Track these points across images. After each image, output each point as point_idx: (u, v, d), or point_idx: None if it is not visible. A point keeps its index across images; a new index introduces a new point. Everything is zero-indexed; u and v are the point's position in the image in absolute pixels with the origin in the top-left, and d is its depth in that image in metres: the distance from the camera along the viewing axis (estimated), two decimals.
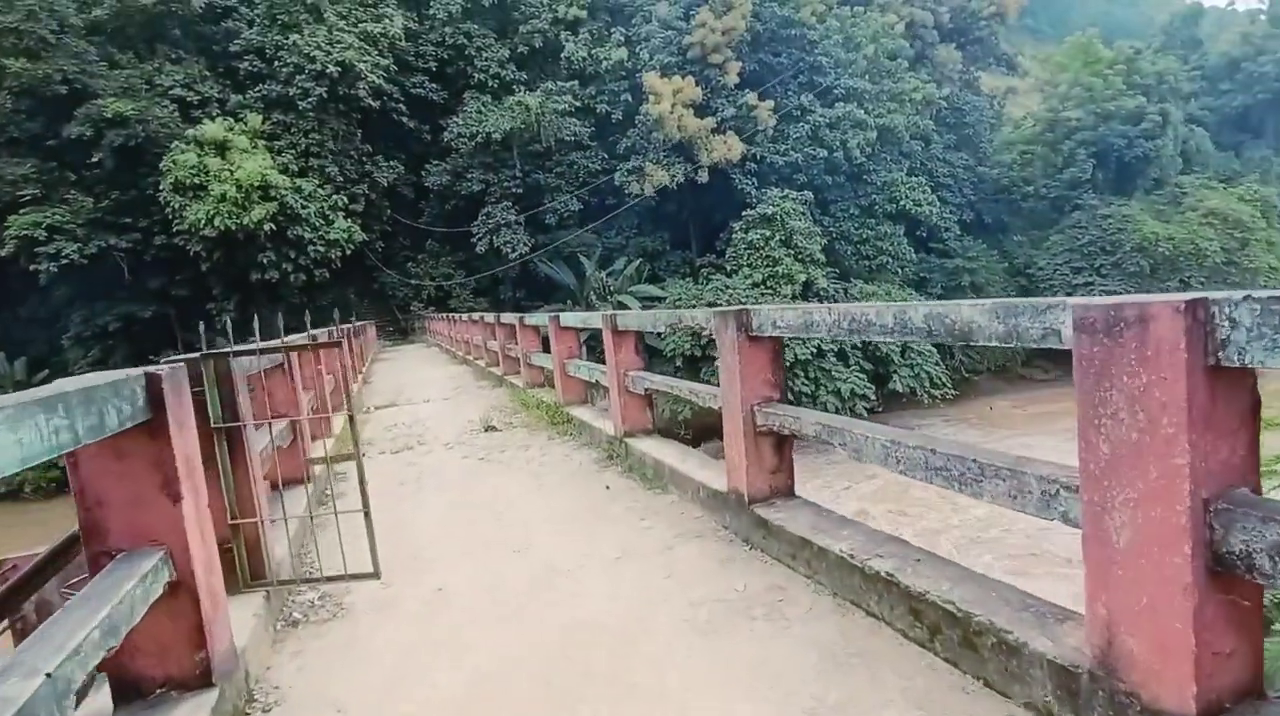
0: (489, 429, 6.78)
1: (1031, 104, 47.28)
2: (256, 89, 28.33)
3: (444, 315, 18.20)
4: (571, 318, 6.66)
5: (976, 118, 40.67)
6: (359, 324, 20.79)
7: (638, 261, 31.14)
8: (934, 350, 30.41)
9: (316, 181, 27.84)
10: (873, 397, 27.42)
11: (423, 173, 32.24)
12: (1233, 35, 56.20)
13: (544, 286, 32.35)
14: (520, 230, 30.52)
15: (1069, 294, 36.82)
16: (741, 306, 3.32)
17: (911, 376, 28.93)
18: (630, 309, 28.00)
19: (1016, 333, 2.02)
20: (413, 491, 5.08)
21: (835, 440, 2.92)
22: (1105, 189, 39.55)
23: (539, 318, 7.70)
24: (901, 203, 34.11)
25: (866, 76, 34.30)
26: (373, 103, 29.43)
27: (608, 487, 4.56)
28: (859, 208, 34.29)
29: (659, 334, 28.13)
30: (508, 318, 9.33)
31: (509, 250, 30.08)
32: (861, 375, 27.64)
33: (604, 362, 5.36)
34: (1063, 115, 40.01)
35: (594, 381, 5.99)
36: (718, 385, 3.67)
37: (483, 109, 30.68)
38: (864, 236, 33.85)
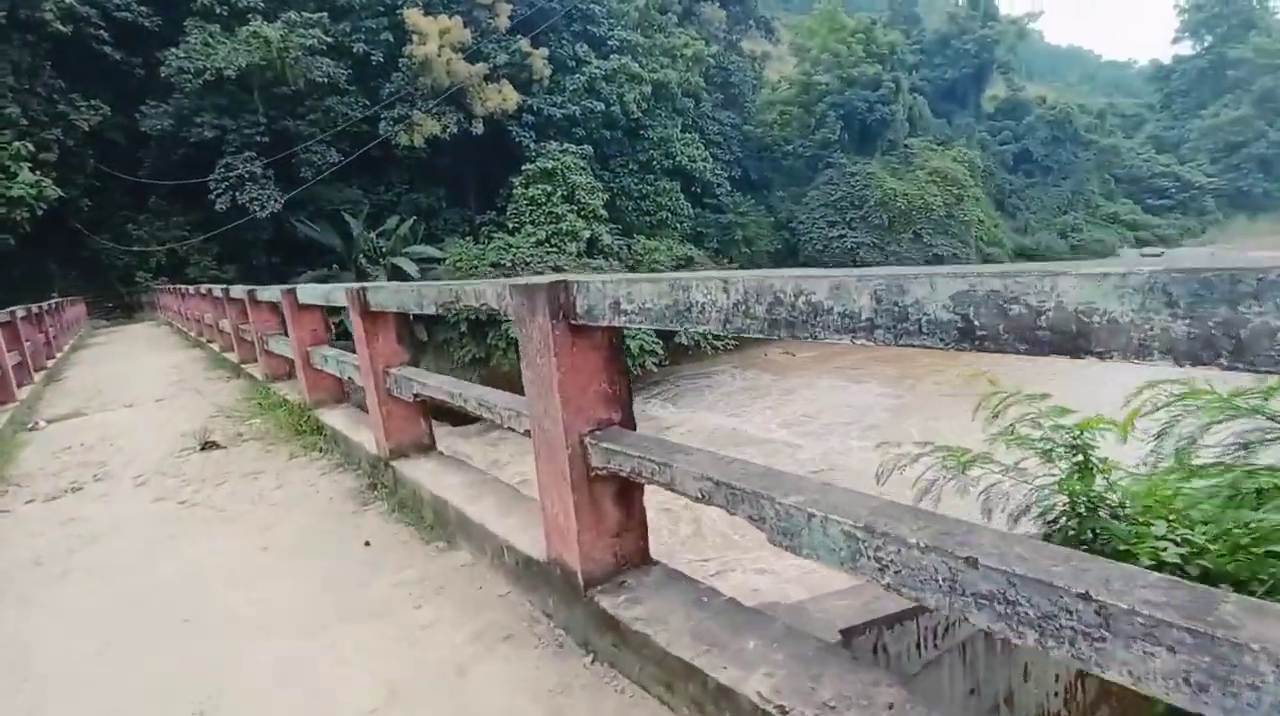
0: (208, 446, 5.08)
1: (786, 69, 50.61)
2: None
3: (174, 288, 15.17)
4: (310, 292, 4.99)
5: (741, 78, 42.56)
6: (57, 302, 16.94)
7: (411, 220, 28.79)
8: None
9: None
10: (661, 352, 28.05)
11: (137, 115, 26.89)
12: (941, 14, 64.33)
13: (306, 249, 28.83)
14: (269, 185, 26.71)
15: (825, 246, 40.66)
16: (559, 278, 2.15)
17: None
18: (407, 272, 25.88)
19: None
20: (52, 579, 3.23)
21: (741, 509, 1.79)
22: (851, 149, 43.59)
23: (272, 292, 6.08)
24: (677, 158, 34.92)
25: (639, 30, 34.29)
26: (62, 27, 23.74)
27: (367, 544, 3.26)
28: (638, 163, 34.56)
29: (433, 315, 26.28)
30: (237, 292, 7.41)
31: (256, 208, 26.24)
32: (648, 331, 28.11)
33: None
34: (815, 79, 43.23)
35: (346, 378, 4.67)
36: (504, 353, 2.82)
37: (210, 40, 26.07)
38: (644, 192, 34.27)
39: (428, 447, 3.98)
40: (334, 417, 5.04)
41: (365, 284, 3.95)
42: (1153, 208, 63.75)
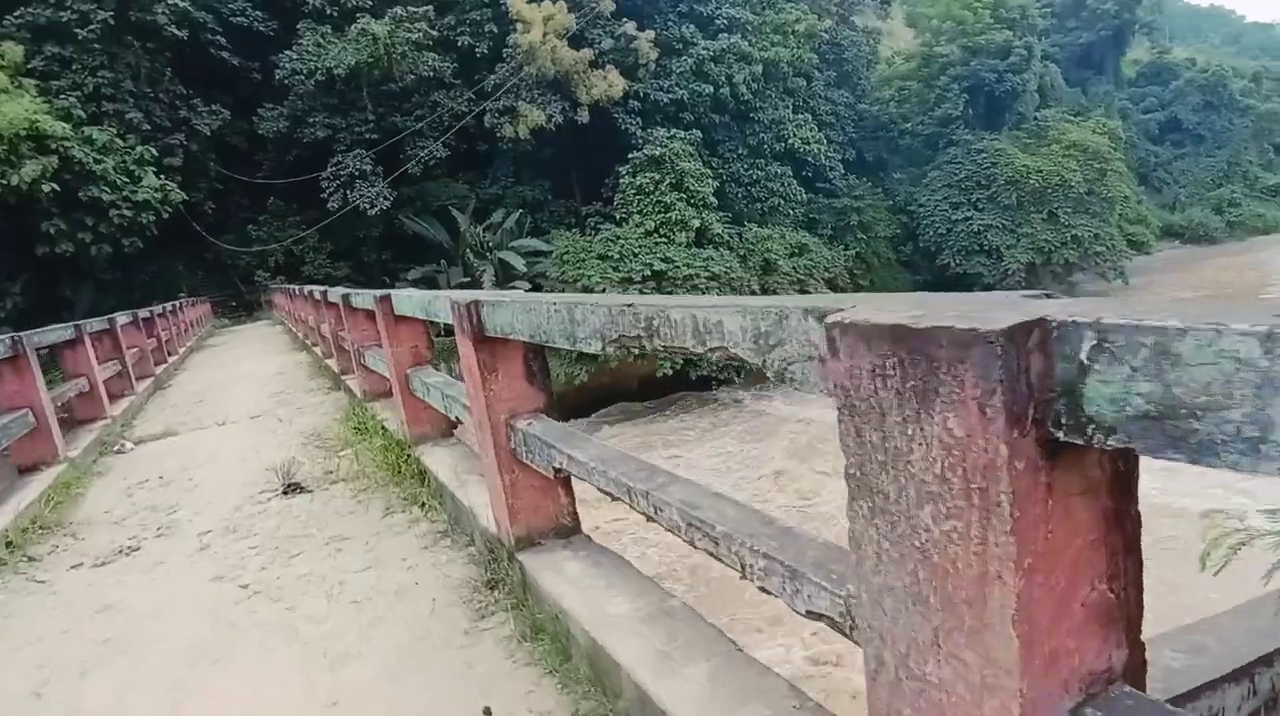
0: (291, 488, 4.07)
1: (900, 44, 47.21)
2: (16, 14, 22.60)
3: (285, 288, 14.84)
4: (409, 301, 3.82)
5: (854, 53, 39.80)
6: (176, 303, 17.04)
7: (517, 213, 28.16)
8: (830, 293, 29.66)
9: (114, 130, 22.73)
10: None
11: (255, 118, 27.47)
12: None
13: (414, 245, 28.77)
14: (379, 182, 26.66)
15: (949, 229, 37.50)
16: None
17: None
18: (514, 265, 25.26)
19: None
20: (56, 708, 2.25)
21: None
22: (976, 124, 40.00)
23: (366, 297, 4.85)
24: (789, 141, 32.84)
25: (747, 6, 32.39)
26: (177, 31, 24.29)
27: (487, 712, 1.97)
28: (747, 148, 32.71)
29: (546, 292, 25.63)
30: (334, 294, 6.35)
31: (367, 206, 26.23)
32: None
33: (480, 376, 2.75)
34: (935, 50, 39.91)
35: (454, 417, 3.51)
36: None
37: (321, 41, 26.22)
38: (754, 177, 32.40)
39: (569, 531, 2.65)
40: (439, 461, 3.82)
41: (479, 295, 2.57)
42: None
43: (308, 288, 10.48)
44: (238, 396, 7.53)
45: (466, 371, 2.60)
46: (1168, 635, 2.08)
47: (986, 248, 36.13)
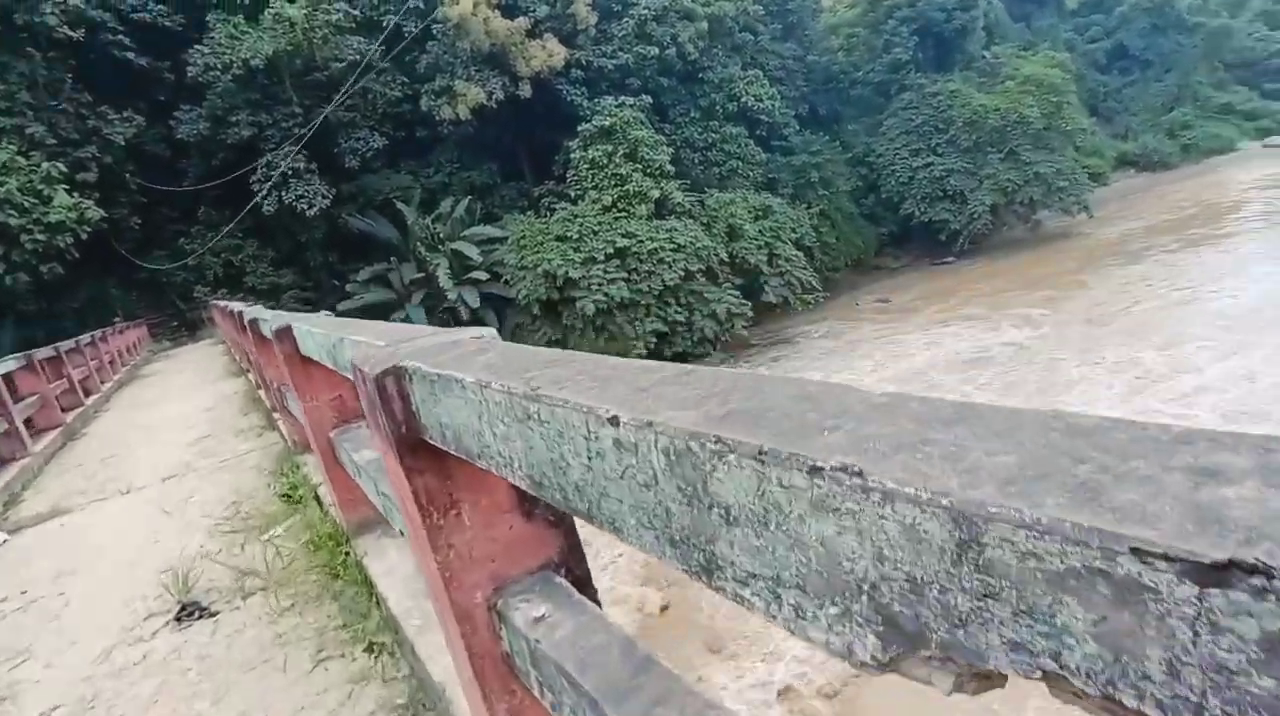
0: (188, 611, 2.95)
1: None
2: None
3: (219, 305, 13.43)
4: (315, 340, 2.48)
5: (799, 3, 38.63)
6: (114, 327, 15.59)
7: (466, 200, 26.73)
8: (800, 254, 28.86)
9: (14, 147, 20.76)
10: (749, 313, 25.41)
11: (172, 123, 25.50)
12: None
13: (361, 244, 27.23)
14: (315, 179, 25.01)
15: (910, 178, 36.84)
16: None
17: (782, 284, 27.22)
18: (469, 256, 23.98)
19: None
20: None
21: None
22: (927, 67, 39.23)
23: (268, 324, 3.57)
24: (741, 99, 31.73)
25: None
26: (71, 32, 22.21)
27: None
28: (699, 110, 31.55)
29: (505, 281, 24.25)
30: (249, 313, 5.00)
31: (305, 207, 24.61)
32: (734, 292, 25.47)
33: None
34: None
35: (399, 529, 2.12)
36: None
37: (235, 32, 24.29)
38: (709, 141, 31.31)
39: None
40: (389, 569, 2.72)
41: (414, 348, 1.37)
42: (1272, 92, 56.44)
43: (230, 304, 9.22)
44: (156, 446, 6.33)
45: (399, 502, 1.41)
46: None
47: (950, 193, 35.57)
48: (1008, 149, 36.84)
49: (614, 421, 0.68)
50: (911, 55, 38.53)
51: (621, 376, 0.77)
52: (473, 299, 23.96)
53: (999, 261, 33.51)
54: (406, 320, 24.38)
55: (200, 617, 2.89)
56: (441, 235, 25.16)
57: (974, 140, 36.39)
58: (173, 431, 6.98)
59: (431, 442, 1.18)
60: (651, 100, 29.01)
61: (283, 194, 24.44)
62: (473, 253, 24.21)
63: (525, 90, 26.19)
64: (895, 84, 38.81)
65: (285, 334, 2.83)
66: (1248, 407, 13.57)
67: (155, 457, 6.00)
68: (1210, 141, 49.29)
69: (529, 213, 26.47)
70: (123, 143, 24.43)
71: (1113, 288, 24.64)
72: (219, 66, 23.67)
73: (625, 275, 23.32)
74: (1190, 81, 52.50)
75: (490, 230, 25.72)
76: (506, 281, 23.89)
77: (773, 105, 32.40)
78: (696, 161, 30.71)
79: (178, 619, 2.92)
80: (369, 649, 2.42)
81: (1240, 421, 13.20)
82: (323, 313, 4.33)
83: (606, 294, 22.67)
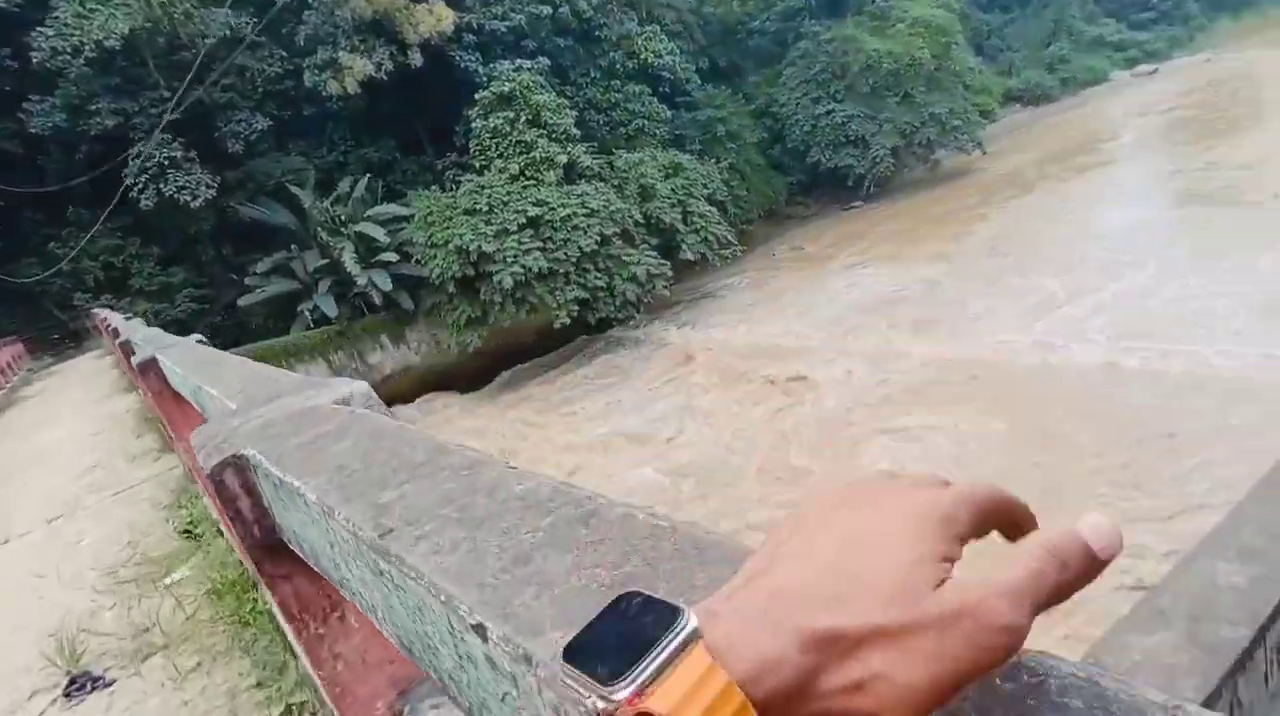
0: (78, 684, 2.54)
1: None
2: None
3: (102, 315, 12.17)
4: (177, 372, 2.43)
5: None
6: None
7: (365, 179, 25.44)
8: (714, 209, 28.89)
9: None
10: (669, 273, 25.36)
11: (22, 116, 23.12)
12: None
13: (256, 234, 25.61)
14: (196, 168, 23.26)
15: (814, 126, 37.30)
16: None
17: (699, 241, 27.23)
18: (375, 237, 22.95)
19: None
20: None
21: None
22: (821, 15, 39.56)
23: (142, 350, 3.12)
24: (641, 56, 31.20)
25: None
26: None
27: None
28: (600, 69, 30.86)
29: (416, 260, 23.29)
30: (125, 331, 4.43)
31: (188, 198, 22.90)
32: (652, 253, 25.32)
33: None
34: None
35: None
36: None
37: (83, 10, 22.04)
38: (612, 100, 30.71)
39: None
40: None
41: (266, 433, 1.20)
42: (1139, 23, 59.74)
43: (109, 317, 8.38)
44: (36, 484, 5.65)
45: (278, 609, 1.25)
46: (1213, 537, 1.73)
47: (853, 138, 36.19)
48: (903, 92, 37.67)
49: (480, 631, 0.49)
50: (804, 3, 38.73)
51: (499, 518, 0.57)
52: (384, 282, 22.99)
53: (903, 202, 34.52)
54: (315, 310, 23.21)
55: (93, 690, 2.52)
56: (343, 217, 23.93)
57: (871, 85, 37.02)
58: (57, 460, 6.28)
59: (284, 543, 0.95)
60: (550, 62, 28.18)
61: (161, 186, 22.65)
62: (379, 233, 23.16)
63: (416, 59, 24.96)
64: (791, 32, 38.99)
65: (150, 367, 2.46)
66: (1138, 328, 14.47)
67: (38, 494, 5.37)
68: (1086, 74, 51.83)
69: (434, 187, 25.43)
70: None
71: (1011, 219, 25.77)
72: (68, 50, 21.51)
73: (541, 244, 22.79)
74: (1065, 16, 54.89)
75: (395, 209, 24.63)
76: (418, 261, 22.99)
77: (673, 60, 32.03)
78: (601, 123, 30.14)
79: (66, 694, 2.52)
80: (287, 712, 2.17)
81: (1131, 340, 14.09)
82: (194, 336, 3.89)
83: (523, 265, 22.14)
